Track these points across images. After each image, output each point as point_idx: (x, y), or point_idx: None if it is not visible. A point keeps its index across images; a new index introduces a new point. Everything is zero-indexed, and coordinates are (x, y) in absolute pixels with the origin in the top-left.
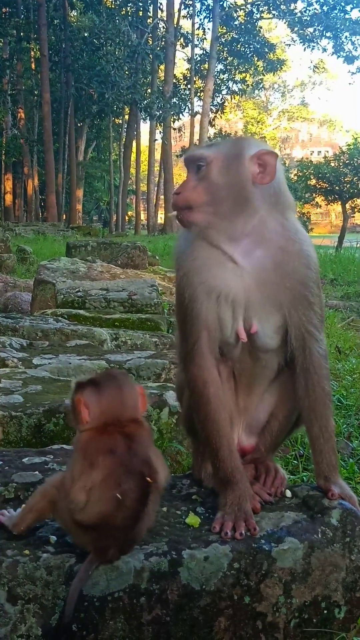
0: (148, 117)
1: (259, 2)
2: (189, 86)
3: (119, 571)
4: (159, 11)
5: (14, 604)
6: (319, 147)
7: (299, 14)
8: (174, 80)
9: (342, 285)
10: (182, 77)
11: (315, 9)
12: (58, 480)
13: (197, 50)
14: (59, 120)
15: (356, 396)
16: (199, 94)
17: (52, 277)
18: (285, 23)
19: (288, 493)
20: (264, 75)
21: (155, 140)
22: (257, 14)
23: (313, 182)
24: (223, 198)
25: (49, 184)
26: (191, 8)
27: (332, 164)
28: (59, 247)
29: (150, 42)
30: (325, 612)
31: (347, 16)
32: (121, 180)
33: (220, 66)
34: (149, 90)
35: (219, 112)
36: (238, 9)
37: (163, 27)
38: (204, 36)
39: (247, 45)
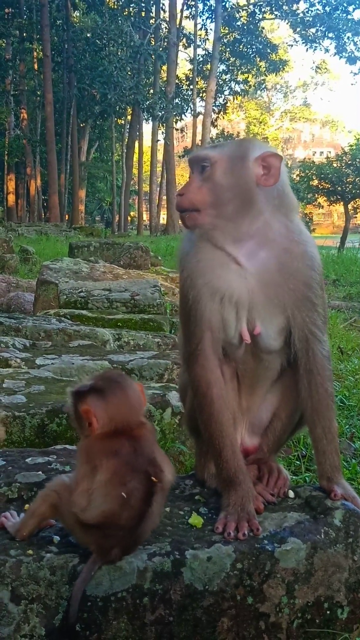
0: (150, 118)
1: (262, 3)
2: (191, 87)
3: (122, 571)
4: (162, 12)
5: (17, 604)
6: (322, 147)
7: (301, 15)
8: (177, 81)
9: (345, 286)
10: (184, 78)
11: (317, 9)
12: (59, 483)
13: (200, 51)
14: (61, 121)
15: (359, 397)
16: (201, 95)
17: (55, 277)
18: (287, 24)
19: (291, 493)
20: (266, 76)
21: (158, 140)
22: (259, 14)
23: (315, 182)
24: (227, 199)
25: (51, 184)
26: (193, 9)
27: (335, 165)
28: (62, 247)
29: (153, 42)
30: (328, 612)
31: (349, 17)
32: (123, 180)
33: (222, 67)
34: (152, 91)
35: (221, 113)
36: (240, 10)
37: (165, 27)
38: (206, 37)
39: (249, 46)
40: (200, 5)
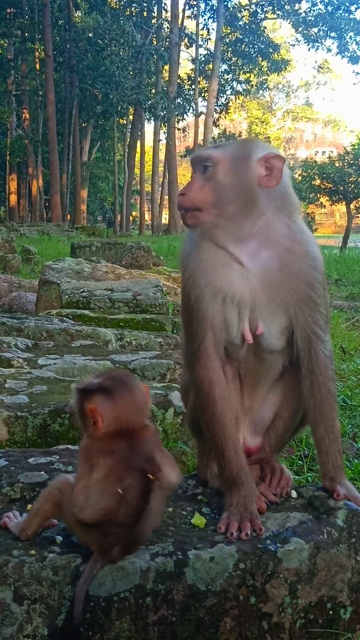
0: (152, 118)
1: (264, 2)
2: (193, 86)
3: (124, 571)
4: (163, 11)
5: (20, 604)
6: (324, 147)
7: (303, 14)
8: (178, 81)
9: (347, 286)
10: (186, 78)
11: (319, 9)
12: (60, 482)
13: (202, 51)
14: (63, 121)
15: None
16: (203, 94)
17: (57, 277)
18: (289, 23)
19: (293, 493)
20: (268, 76)
21: (160, 140)
22: (261, 14)
23: (317, 182)
24: (229, 200)
25: (53, 184)
26: (195, 8)
27: (337, 164)
28: (64, 247)
29: (155, 42)
30: (331, 612)
31: (351, 16)
32: (125, 180)
33: (224, 66)
34: (153, 91)
35: (223, 113)
36: (242, 9)
37: (167, 27)
38: (208, 36)
39: (251, 46)
40: (202, 5)
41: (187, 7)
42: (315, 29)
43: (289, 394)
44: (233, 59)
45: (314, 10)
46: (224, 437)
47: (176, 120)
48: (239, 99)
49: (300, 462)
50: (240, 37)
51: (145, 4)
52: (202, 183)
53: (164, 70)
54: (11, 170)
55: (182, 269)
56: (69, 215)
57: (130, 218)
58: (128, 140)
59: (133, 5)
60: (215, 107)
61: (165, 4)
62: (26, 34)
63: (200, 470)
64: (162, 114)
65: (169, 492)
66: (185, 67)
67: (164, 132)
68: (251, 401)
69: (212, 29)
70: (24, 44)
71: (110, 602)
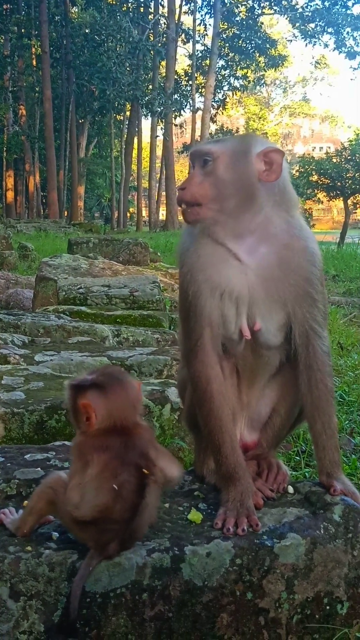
0: (149, 114)
1: None
2: (190, 82)
3: (121, 567)
4: (160, 7)
5: (16, 600)
6: (321, 143)
7: (300, 10)
8: (175, 77)
9: (344, 282)
10: (183, 73)
11: (316, 4)
12: (53, 480)
13: (199, 47)
14: (60, 117)
15: (358, 392)
16: (200, 90)
17: (54, 273)
18: (286, 19)
19: (290, 489)
20: (266, 71)
21: (157, 136)
22: (258, 9)
23: (315, 178)
24: (229, 194)
25: (50, 180)
26: (192, 4)
27: (334, 160)
28: (61, 243)
29: (152, 38)
30: (327, 607)
31: (348, 12)
32: (122, 176)
33: (221, 62)
34: (150, 87)
35: (221, 108)
36: (239, 5)
37: (164, 23)
38: (205, 32)
39: (248, 41)
40: (199, 1)
41: (184, 2)
42: (312, 25)
43: (286, 390)
44: (230, 54)
45: (311, 6)
46: (221, 433)
47: (173, 116)
48: (236, 94)
49: (298, 458)
50: (238, 32)
51: (142, 0)
52: (201, 178)
53: (161, 66)
54: (8, 166)
55: (180, 264)
56: (66, 212)
57: (128, 214)
58: (125, 136)
59: (130, 1)
60: (213, 103)
61: None
62: (23, 30)
63: (197, 466)
64: (159, 110)
65: (172, 487)
66: (182, 63)
67: (161, 128)
68: (248, 397)
69: (209, 24)
70: (20, 40)
71: (107, 598)
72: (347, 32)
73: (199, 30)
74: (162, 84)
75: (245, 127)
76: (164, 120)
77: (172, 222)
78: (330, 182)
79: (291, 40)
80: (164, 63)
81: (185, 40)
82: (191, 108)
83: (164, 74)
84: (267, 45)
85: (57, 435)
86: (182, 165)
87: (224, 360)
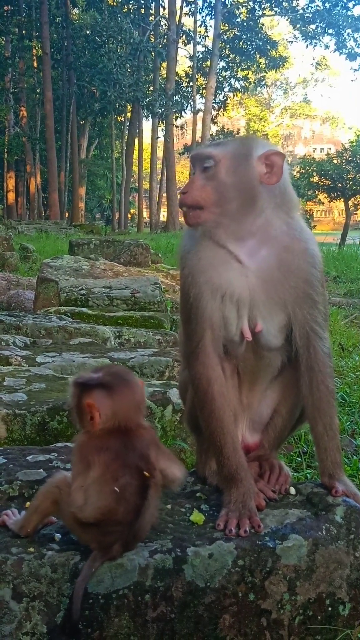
0: (150, 115)
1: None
2: (191, 83)
3: (123, 568)
4: (161, 8)
5: (19, 602)
6: (322, 144)
7: (301, 11)
8: (176, 78)
9: (345, 283)
10: (184, 75)
11: (317, 5)
12: (59, 479)
13: (199, 48)
14: (61, 118)
15: (359, 394)
16: (201, 92)
17: (55, 275)
18: (287, 20)
19: (292, 490)
20: (266, 73)
21: (158, 137)
22: (259, 10)
23: (316, 179)
24: (231, 198)
25: (51, 182)
26: (193, 5)
27: (335, 161)
28: (62, 245)
29: (152, 39)
30: (329, 609)
31: (349, 13)
32: (123, 178)
33: (222, 63)
34: (151, 88)
35: (221, 110)
36: (240, 6)
37: (165, 24)
38: (206, 33)
39: (249, 43)
40: (200, 2)
41: (184, 4)
42: (313, 26)
43: (288, 391)
44: (231, 56)
45: (311, 7)
46: (223, 434)
47: (174, 117)
48: (236, 96)
49: (299, 459)
50: (238, 34)
51: (142, 1)
52: (203, 182)
53: (161, 68)
54: (9, 168)
55: (181, 266)
56: (67, 213)
57: (129, 215)
58: (126, 137)
59: (130, 2)
60: (213, 104)
61: (162, 1)
62: (23, 32)
63: (199, 468)
64: (160, 111)
65: (175, 488)
66: (183, 64)
67: (162, 129)
68: (249, 398)
69: (210, 26)
70: (21, 42)
71: (109, 599)
72: (348, 34)
73: (200, 32)
74: (162, 85)
75: (246, 128)
76: (164, 121)
77: (173, 223)
78: (331, 183)
79: (292, 42)
80: (164, 64)
81: (186, 41)
82: (192, 109)
83: (164, 76)
84: (268, 47)
85: (59, 437)
86: (183, 167)
87: (224, 361)
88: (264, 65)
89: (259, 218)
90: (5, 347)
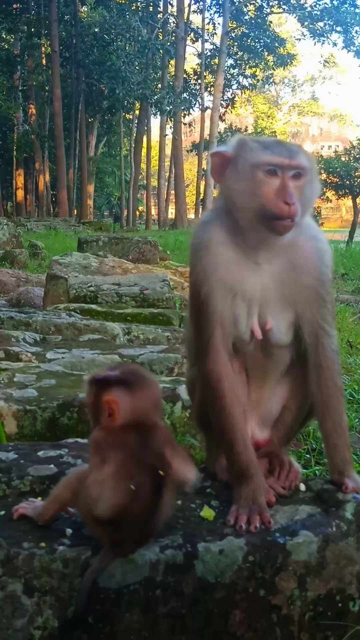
0: (158, 112)
1: None
2: (199, 81)
3: (134, 564)
4: (169, 6)
5: (30, 596)
6: (330, 141)
7: (309, 9)
8: (185, 75)
9: (353, 280)
10: (192, 72)
11: (325, 3)
12: (81, 472)
13: (208, 45)
14: (69, 116)
15: None
16: (209, 89)
17: (65, 272)
18: (295, 17)
19: (302, 487)
20: (274, 70)
21: (166, 135)
22: (267, 8)
23: (324, 176)
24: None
25: (60, 179)
26: (201, 3)
27: (343, 159)
28: (71, 242)
29: (161, 37)
30: (340, 605)
31: (357, 10)
32: (132, 175)
33: (230, 61)
34: (160, 86)
35: (230, 107)
36: (248, 4)
37: (173, 22)
38: (214, 31)
39: (257, 40)
40: (208, 0)
41: (192, 1)
42: (321, 23)
43: (296, 387)
44: (239, 53)
45: (319, 4)
46: (233, 431)
47: (182, 115)
48: (245, 93)
49: (308, 456)
50: (246, 31)
51: None
52: (294, 191)
53: (170, 65)
54: (18, 165)
55: (193, 263)
56: (75, 210)
57: (137, 213)
58: (134, 135)
59: (139, 0)
60: (222, 102)
61: None
62: (32, 30)
63: (209, 464)
64: (169, 108)
65: (186, 489)
66: (191, 62)
67: (170, 126)
68: (258, 395)
69: (218, 23)
70: (30, 40)
71: (120, 595)
72: (356, 31)
73: (208, 29)
74: (171, 83)
75: (253, 125)
76: (173, 119)
77: (182, 220)
78: (339, 180)
79: (300, 39)
80: (173, 62)
81: (194, 39)
82: (200, 107)
83: (173, 73)
84: (276, 44)
85: (69, 433)
86: (191, 164)
87: (233, 358)
88: (272, 63)
89: None
90: (15, 344)
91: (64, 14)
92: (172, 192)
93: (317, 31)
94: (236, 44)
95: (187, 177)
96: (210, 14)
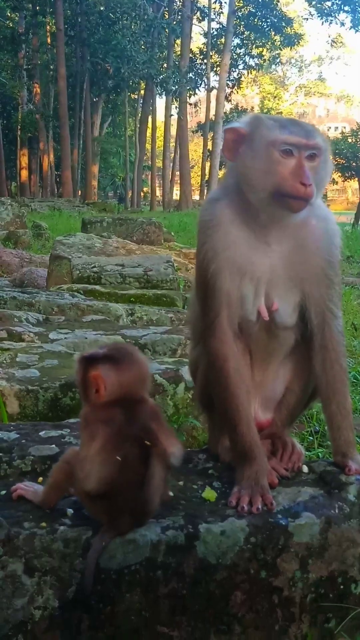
0: (164, 92)
1: None
2: (205, 61)
3: (135, 544)
4: None
5: (31, 576)
6: (336, 122)
7: None
8: (190, 55)
9: (358, 262)
10: (198, 52)
11: None
12: (70, 454)
13: (214, 25)
14: (74, 95)
15: None
16: (215, 69)
17: (68, 252)
18: None
19: (305, 468)
20: (281, 50)
21: (171, 115)
22: None
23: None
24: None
25: (64, 159)
26: None
27: (349, 140)
28: (75, 222)
29: (167, 16)
30: (341, 587)
31: None
32: (137, 156)
33: (237, 40)
34: (165, 65)
35: (236, 87)
36: None
37: (179, 1)
38: (220, 10)
39: (264, 20)
40: None
41: None
42: (328, 3)
43: (300, 368)
44: (245, 33)
45: None
46: (237, 411)
47: (188, 95)
48: (251, 73)
49: (311, 438)
50: (253, 10)
51: None
52: (310, 172)
53: (175, 45)
54: (22, 145)
55: (202, 240)
56: (79, 191)
57: (142, 194)
58: (139, 115)
59: None
60: (228, 82)
61: None
62: (37, 8)
63: (211, 445)
64: (174, 88)
65: (175, 464)
66: (197, 41)
67: (176, 107)
68: (262, 376)
69: (225, 2)
70: (35, 18)
71: (121, 575)
72: None
73: (214, 8)
74: (177, 63)
75: (260, 106)
76: (178, 99)
77: (186, 201)
78: (345, 162)
79: (307, 19)
80: (178, 41)
81: (200, 18)
82: (206, 87)
83: (178, 53)
84: (283, 24)
85: (71, 413)
86: (196, 145)
87: (237, 339)
88: (279, 43)
89: None
90: (18, 324)
91: None
92: (177, 172)
93: (325, 11)
94: (243, 23)
95: (192, 158)
96: None
